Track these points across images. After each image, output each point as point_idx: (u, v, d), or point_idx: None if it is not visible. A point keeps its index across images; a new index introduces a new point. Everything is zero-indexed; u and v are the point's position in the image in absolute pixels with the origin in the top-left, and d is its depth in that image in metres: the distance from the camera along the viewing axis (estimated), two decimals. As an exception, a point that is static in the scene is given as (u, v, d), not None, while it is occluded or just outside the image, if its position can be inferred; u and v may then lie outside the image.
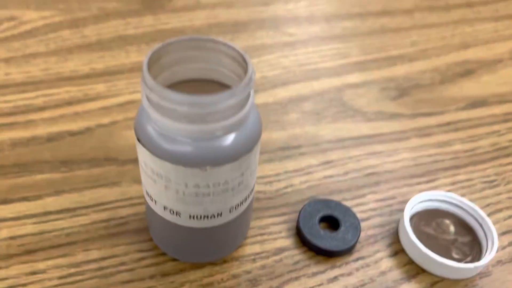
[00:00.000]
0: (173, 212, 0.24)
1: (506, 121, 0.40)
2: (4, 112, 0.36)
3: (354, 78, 0.43)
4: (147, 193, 0.25)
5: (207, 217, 0.24)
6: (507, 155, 0.37)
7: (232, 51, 0.23)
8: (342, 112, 0.39)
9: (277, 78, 0.42)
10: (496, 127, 0.39)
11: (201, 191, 0.23)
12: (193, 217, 0.24)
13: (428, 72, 0.44)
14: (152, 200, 0.24)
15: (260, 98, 0.39)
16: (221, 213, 0.24)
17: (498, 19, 0.53)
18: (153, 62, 0.22)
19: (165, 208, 0.24)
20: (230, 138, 0.22)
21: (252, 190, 0.26)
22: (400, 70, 0.44)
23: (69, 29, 0.45)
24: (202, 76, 0.24)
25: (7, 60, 0.40)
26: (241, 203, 0.25)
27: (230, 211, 0.24)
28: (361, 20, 0.51)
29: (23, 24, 0.45)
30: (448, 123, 0.39)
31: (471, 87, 0.43)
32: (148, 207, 0.26)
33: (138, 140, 0.22)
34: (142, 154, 0.22)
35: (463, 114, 0.40)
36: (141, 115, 0.23)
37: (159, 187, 0.23)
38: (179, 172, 0.22)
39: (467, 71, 0.45)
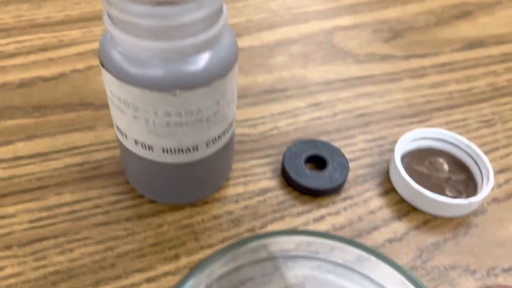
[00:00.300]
0: (145, 146, 0.22)
1: (504, 61, 0.38)
2: (-27, 59, 0.34)
3: (345, 21, 0.40)
4: (117, 127, 0.23)
5: (182, 150, 0.22)
6: (505, 95, 0.35)
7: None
8: (332, 55, 0.37)
9: (263, 21, 0.40)
10: (493, 67, 0.37)
11: (173, 120, 0.21)
12: (167, 151, 0.22)
13: (422, 15, 0.42)
14: (122, 134, 0.23)
15: (245, 42, 0.37)
16: (197, 147, 0.23)
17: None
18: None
19: (136, 142, 0.22)
20: (201, 60, 0.20)
21: (231, 124, 0.24)
22: (393, 12, 0.42)
23: (43, -24, 0.43)
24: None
25: (-24, 8, 0.38)
26: (219, 137, 0.23)
27: (207, 145, 0.23)
28: (353, -36, 0.48)
29: (-6, -28, 0.43)
30: (443, 64, 0.37)
31: (467, 29, 0.41)
32: (120, 144, 0.24)
33: (102, 65, 0.21)
34: (108, 80, 0.21)
35: (459, 55, 0.38)
36: (105, 39, 0.21)
37: (127, 118, 0.21)
38: (146, 97, 0.20)
39: (464, 13, 0.43)
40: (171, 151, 0.22)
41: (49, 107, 0.31)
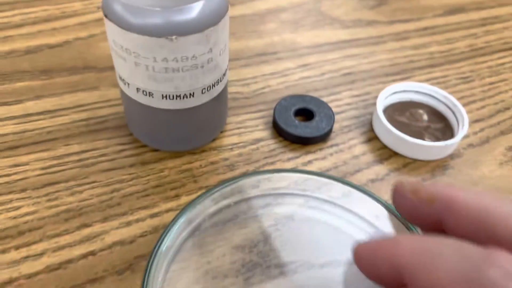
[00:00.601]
0: (146, 93, 0.24)
1: (483, 25, 0.40)
2: (-18, 29, 0.36)
3: (332, -10, 0.43)
4: (120, 77, 0.25)
5: (180, 96, 0.25)
6: (483, 54, 0.37)
7: None
8: (320, 21, 0.39)
9: (255, -8, 0.42)
10: (473, 31, 0.39)
11: (170, 65, 0.23)
12: (166, 97, 0.25)
13: (407, -16, 0.44)
14: (125, 84, 0.25)
15: (237, 10, 0.39)
16: (193, 93, 0.25)
17: None
18: None
19: (138, 90, 0.25)
20: (195, 9, 0.22)
21: (225, 74, 0.26)
22: (379, -18, 0.44)
23: (44, -46, 0.45)
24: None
25: (-18, -17, 0.40)
26: (214, 85, 0.25)
27: (202, 91, 0.25)
28: None
29: (-3, -48, 0.45)
30: (425, 28, 0.39)
31: (450, -4, 0.43)
32: (123, 95, 0.26)
33: (106, 16, 0.23)
34: (111, 30, 0.23)
35: (441, 20, 0.40)
36: (108, -7, 0.23)
37: (129, 66, 0.24)
38: (146, 44, 0.22)
39: (447, -18, 0.45)
40: (169, 97, 0.25)
41: (55, 70, 0.33)
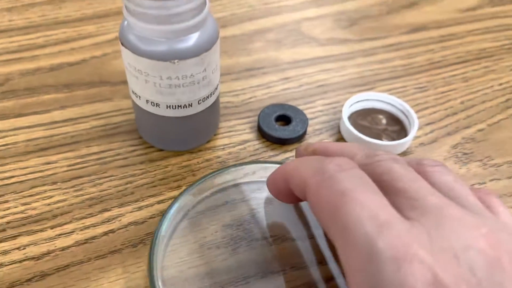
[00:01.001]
0: (154, 104, 0.31)
1: (441, 41, 0.46)
2: (11, 50, 0.42)
3: (311, 12, 0.49)
4: (133, 92, 0.31)
5: (181, 106, 0.31)
6: (439, 67, 0.43)
7: (191, -29, 0.29)
8: (300, 40, 0.45)
9: (244, 14, 0.48)
10: (431, 46, 0.46)
11: (173, 82, 0.29)
12: (170, 107, 0.31)
13: (376, 6, 0.51)
14: (137, 96, 0.31)
15: (229, 31, 0.46)
16: (191, 104, 0.31)
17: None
18: (130, -17, 0.29)
19: (147, 101, 0.31)
20: (193, 38, 0.28)
21: (217, 88, 0.33)
22: (352, 4, 0.51)
23: (60, -18, 0.51)
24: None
25: (9, 9, 0.47)
26: (207, 97, 0.32)
27: (198, 102, 0.31)
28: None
29: (19, -20, 0.51)
30: (391, 45, 0.45)
31: (413, 16, 0.49)
32: (134, 106, 0.33)
33: (122, 44, 0.29)
34: (126, 55, 0.29)
35: (405, 37, 0.47)
36: (123, 25, 0.29)
37: (141, 83, 0.30)
38: (154, 66, 0.28)
39: (412, 3, 0.51)
40: (172, 107, 0.31)
41: (75, 84, 0.39)
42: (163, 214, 0.29)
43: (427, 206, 0.18)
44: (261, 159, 0.34)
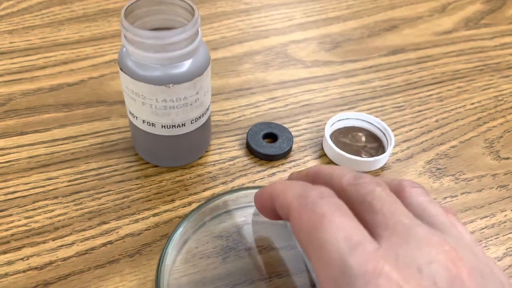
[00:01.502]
0: (150, 123, 0.33)
1: (418, 63, 0.50)
2: (13, 71, 0.44)
3: (297, 36, 0.52)
4: (130, 112, 0.34)
5: (174, 126, 0.33)
6: (416, 88, 0.46)
7: (184, 3, 0.32)
8: (286, 62, 0.48)
9: (234, 38, 0.51)
10: (409, 68, 0.49)
11: (168, 104, 0.32)
12: (164, 127, 0.33)
13: (358, 29, 0.54)
14: (134, 117, 0.34)
15: (220, 54, 0.49)
16: (185, 124, 0.34)
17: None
18: (128, 13, 0.31)
19: (143, 121, 0.33)
20: (186, 64, 0.31)
21: (208, 109, 0.35)
22: (336, 28, 0.54)
23: (59, 5, 0.54)
24: (165, 25, 0.33)
25: (10, 32, 0.49)
26: (199, 117, 0.34)
27: (191, 122, 0.34)
28: (307, -11, 0.60)
29: (20, 3, 0.53)
30: (371, 67, 0.49)
31: (393, 39, 0.53)
32: (131, 125, 0.35)
33: (121, 69, 0.32)
34: (124, 80, 0.32)
35: (384, 59, 0.50)
36: (122, 52, 0.32)
37: (138, 104, 0.32)
38: (151, 90, 0.31)
39: (392, 26, 0.55)
40: (167, 126, 0.33)
41: (74, 104, 0.42)
42: (168, 238, 0.31)
43: (397, 226, 0.20)
44: (249, 177, 0.37)
